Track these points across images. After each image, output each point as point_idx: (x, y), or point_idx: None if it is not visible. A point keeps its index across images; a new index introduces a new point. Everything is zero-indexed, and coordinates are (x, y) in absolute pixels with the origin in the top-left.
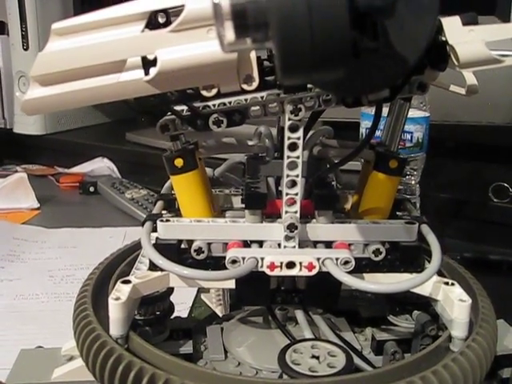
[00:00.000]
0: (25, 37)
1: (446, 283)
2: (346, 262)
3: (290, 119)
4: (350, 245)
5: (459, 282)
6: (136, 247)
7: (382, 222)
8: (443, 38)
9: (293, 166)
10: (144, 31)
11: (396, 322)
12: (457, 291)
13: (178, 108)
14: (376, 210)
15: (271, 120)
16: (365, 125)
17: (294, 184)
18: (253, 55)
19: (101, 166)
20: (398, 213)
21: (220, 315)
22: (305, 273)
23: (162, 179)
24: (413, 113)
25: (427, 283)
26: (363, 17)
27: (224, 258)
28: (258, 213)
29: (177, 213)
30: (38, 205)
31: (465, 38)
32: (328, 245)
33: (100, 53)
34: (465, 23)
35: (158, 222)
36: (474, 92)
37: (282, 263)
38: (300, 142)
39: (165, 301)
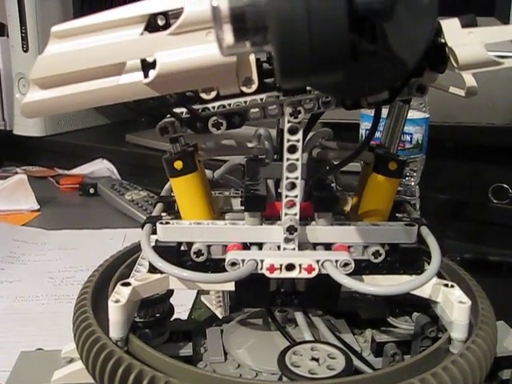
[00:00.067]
0: (24, 39)
1: (446, 285)
2: (346, 264)
3: (289, 121)
4: (349, 247)
5: (459, 284)
6: (136, 249)
7: (382, 223)
8: (442, 40)
9: (292, 168)
10: (143, 34)
11: (396, 323)
12: (456, 293)
13: (177, 110)
14: (375, 212)
15: (271, 122)
16: (364, 126)
17: (293, 186)
18: (252, 58)
19: (101, 167)
20: (397, 215)
21: (220, 317)
22: (304, 275)
23: (162, 181)
24: (412, 114)
25: (427, 285)
26: (362, 20)
27: (224, 260)
28: (258, 215)
29: (176, 215)
30: (38, 206)
31: (464, 40)
32: (327, 247)
33: (99, 55)
34: (464, 25)
35: (157, 224)
36: (474, 94)
37: (281, 265)
38: (299, 145)
39: (164, 303)
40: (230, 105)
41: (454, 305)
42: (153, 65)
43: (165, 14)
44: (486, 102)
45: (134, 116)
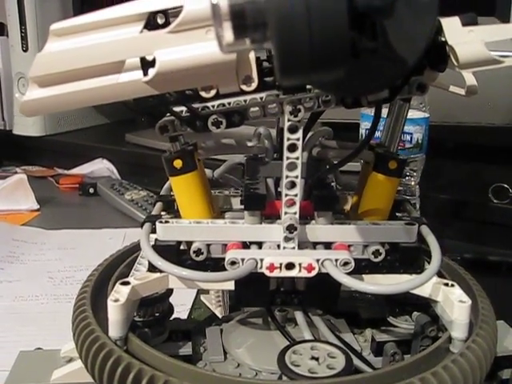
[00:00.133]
0: (24, 38)
1: (446, 284)
2: (346, 263)
3: (289, 120)
4: (349, 246)
5: (459, 283)
6: (135, 249)
7: (382, 223)
8: (443, 39)
9: (292, 166)
10: (143, 32)
11: (396, 323)
12: (457, 292)
13: (177, 109)
14: (375, 211)
15: (271, 121)
16: (364, 126)
17: (293, 185)
18: (252, 56)
19: (100, 167)
20: (397, 214)
21: (219, 317)
22: (304, 274)
23: (162, 180)
24: (412, 114)
25: (427, 284)
26: (362, 17)
27: (223, 259)
28: (258, 214)
29: (176, 214)
30: (38, 206)
31: (464, 38)
32: (327, 246)
33: (99, 53)
34: (464, 24)
35: (157, 223)
36: (474, 93)
37: (281, 264)
38: (299, 143)
39: (164, 302)
40: (229, 103)
41: (455, 304)
42: (152, 63)
43: (164, 12)
44: (486, 101)
45: (133, 116)
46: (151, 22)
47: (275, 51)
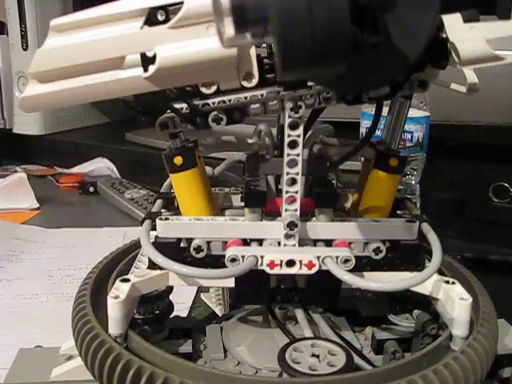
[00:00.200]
0: (24, 37)
1: (447, 282)
2: (346, 261)
3: (290, 116)
4: (350, 243)
5: (460, 281)
6: (135, 246)
7: (383, 220)
8: (444, 35)
9: (293, 163)
10: (143, 28)
11: (396, 321)
12: (457, 290)
13: (177, 106)
14: (376, 209)
15: (272, 120)
16: (365, 124)
17: (293, 182)
18: (252, 52)
19: (100, 166)
20: (398, 212)
21: (220, 315)
22: (305, 271)
23: (162, 179)
24: (413, 112)
25: (428, 282)
26: (363, 11)
27: (223, 256)
28: (258, 211)
29: (176, 211)
30: (38, 205)
31: (466, 35)
32: (328, 243)
33: (99, 49)
34: (466, 20)
35: (157, 220)
36: (475, 90)
37: (281, 261)
38: (300, 140)
39: (164, 300)
40: (230, 100)
41: (455, 301)
42: (153, 59)
43: (165, 7)
44: (487, 100)
45: (133, 115)
46: (152, 17)
47: (276, 45)
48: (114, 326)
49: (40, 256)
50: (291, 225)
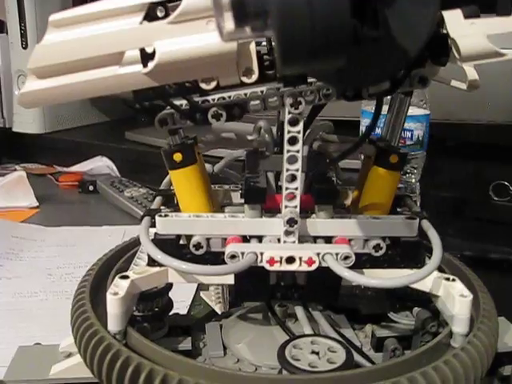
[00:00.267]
0: (24, 35)
1: (447, 279)
2: (346, 258)
3: (289, 112)
4: (350, 240)
5: (460, 278)
6: (134, 244)
7: (383, 217)
8: (444, 31)
9: (293, 160)
10: (142, 23)
11: (396, 318)
12: (458, 287)
13: (176, 103)
14: (376, 206)
15: (272, 119)
16: (365, 123)
17: (293, 178)
18: (252, 47)
19: (100, 164)
20: (398, 209)
21: (219, 313)
22: (304, 268)
23: (162, 178)
24: (413, 111)
25: (428, 278)
26: (363, 5)
27: (223, 253)
28: (258, 207)
29: (175, 208)
30: (37, 203)
31: (466, 31)
32: (328, 240)
33: (98, 45)
34: (466, 16)
35: (156, 216)
36: (476, 87)
37: (281, 258)
38: (300, 136)
39: (163, 297)
40: (230, 97)
41: (456, 298)
42: (152, 54)
43: (164, 3)
44: (487, 99)
45: (133, 113)
46: (151, 12)
47: (276, 39)
48: (113, 323)
49: (39, 254)
50: (291, 221)
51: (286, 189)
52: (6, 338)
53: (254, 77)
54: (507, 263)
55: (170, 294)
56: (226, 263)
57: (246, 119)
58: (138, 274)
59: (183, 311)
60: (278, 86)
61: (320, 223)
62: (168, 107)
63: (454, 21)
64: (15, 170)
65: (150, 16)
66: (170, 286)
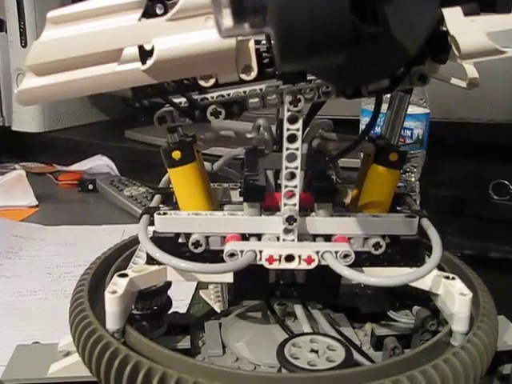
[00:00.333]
0: (23, 34)
1: (447, 277)
2: (346, 256)
3: (289, 110)
4: (349, 238)
5: (460, 277)
6: (133, 242)
7: (382, 215)
8: (444, 29)
9: (292, 157)
10: (141, 20)
11: (396, 317)
12: (457, 285)
13: (175, 100)
14: (376, 204)
15: (271, 116)
16: (364, 121)
17: (293, 176)
18: (251, 45)
19: (99, 163)
20: (397, 207)
21: (218, 312)
22: (304, 266)
23: (161, 177)
24: (413, 109)
25: (428, 277)
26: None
27: (222, 251)
28: (257, 205)
29: (174, 206)
30: (37, 202)
31: (466, 28)
32: (327, 238)
33: (96, 41)
34: (466, 14)
35: (155, 215)
36: (476, 85)
37: (280, 256)
38: (299, 134)
39: (162, 295)
40: (229, 94)
41: (455, 297)
42: (150, 51)
43: (162, 1)
44: (487, 98)
45: (133, 112)
46: (149, 9)
47: (275, 35)
48: (112, 322)
49: (39, 253)
50: (290, 219)
51: (285, 187)
52: (4, 337)
53: (253, 74)
54: (507, 262)
55: (169, 293)
56: (224, 261)
57: (245, 117)
58: (136, 272)
59: (182, 310)
60: (277, 84)
61: (319, 221)
62: (167, 105)
63: (454, 18)
64: (14, 168)
65: (149, 13)
66: (168, 284)
